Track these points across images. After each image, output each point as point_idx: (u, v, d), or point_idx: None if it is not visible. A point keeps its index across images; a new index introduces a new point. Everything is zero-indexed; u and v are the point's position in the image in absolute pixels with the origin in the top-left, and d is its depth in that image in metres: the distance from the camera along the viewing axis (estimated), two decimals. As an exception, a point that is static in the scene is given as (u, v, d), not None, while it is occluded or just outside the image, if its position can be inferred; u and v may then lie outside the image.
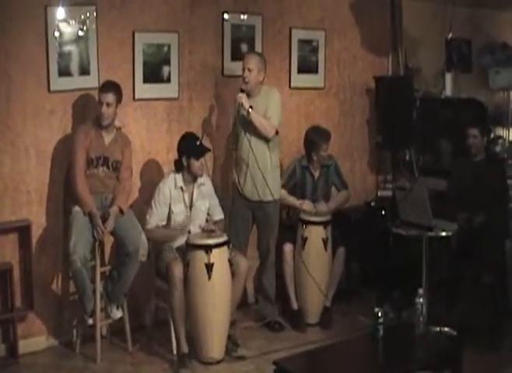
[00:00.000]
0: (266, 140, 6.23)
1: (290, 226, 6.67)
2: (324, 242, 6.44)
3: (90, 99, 6.00)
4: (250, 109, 6.07)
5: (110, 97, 5.69)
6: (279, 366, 4.65)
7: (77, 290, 5.71)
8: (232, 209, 6.42)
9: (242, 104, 6.08)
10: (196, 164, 5.86)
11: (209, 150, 6.15)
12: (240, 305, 6.26)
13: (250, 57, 6.22)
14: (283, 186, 6.64)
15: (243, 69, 6.15)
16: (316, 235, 6.45)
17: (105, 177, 5.81)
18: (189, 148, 5.87)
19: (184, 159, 5.85)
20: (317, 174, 6.75)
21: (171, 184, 5.89)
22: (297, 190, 6.72)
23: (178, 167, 5.92)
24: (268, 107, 6.20)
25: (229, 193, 6.51)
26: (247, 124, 6.18)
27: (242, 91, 6.13)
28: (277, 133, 6.27)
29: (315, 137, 6.65)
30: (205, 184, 6.04)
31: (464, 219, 6.03)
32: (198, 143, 5.92)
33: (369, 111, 7.86)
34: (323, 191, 6.78)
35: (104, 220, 5.67)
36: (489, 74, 8.96)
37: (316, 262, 6.43)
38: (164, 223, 5.92)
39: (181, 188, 5.90)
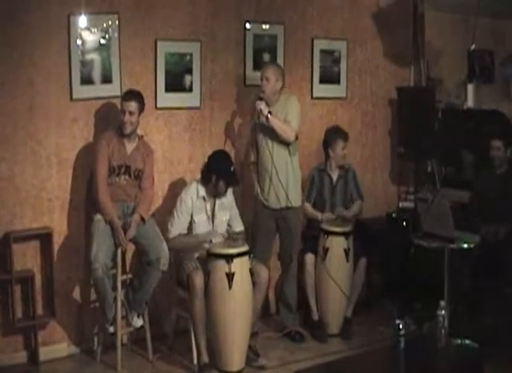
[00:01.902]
0: (286, 145, 6.25)
1: (312, 236, 6.65)
2: (346, 252, 6.42)
3: (112, 107, 6.02)
4: (269, 115, 6.11)
5: (132, 106, 5.70)
6: (300, 377, 4.65)
7: (98, 298, 5.72)
8: (255, 220, 6.46)
9: (261, 110, 6.12)
10: (223, 187, 5.88)
11: (239, 183, 6.16)
12: (262, 314, 6.25)
13: (267, 67, 6.30)
14: (307, 200, 6.68)
15: (261, 78, 6.20)
16: (337, 245, 6.43)
17: (127, 185, 5.81)
18: (222, 172, 5.85)
19: (213, 178, 5.84)
20: (335, 176, 6.74)
21: (193, 194, 5.90)
22: (316, 196, 6.74)
23: (205, 180, 5.90)
24: (288, 113, 6.24)
25: (249, 202, 6.53)
26: (267, 131, 6.22)
27: (260, 99, 6.17)
28: (296, 138, 6.30)
29: (332, 134, 6.71)
30: (227, 196, 6.03)
31: (489, 232, 5.99)
32: (232, 169, 5.91)
33: (391, 122, 7.82)
34: (341, 197, 6.76)
35: (125, 229, 5.68)
36: (512, 85, 8.92)
37: (337, 272, 6.40)
38: (185, 232, 5.91)
39: (203, 198, 5.90)
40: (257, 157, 6.43)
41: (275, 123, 6.14)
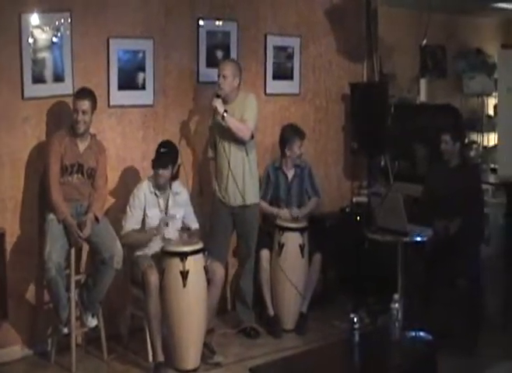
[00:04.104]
0: (242, 144, 6.25)
1: (267, 232, 6.67)
2: (301, 248, 6.46)
3: (64, 106, 5.96)
4: (224, 114, 6.07)
5: (85, 104, 5.64)
6: (255, 373, 4.66)
7: (52, 298, 5.67)
8: (212, 217, 6.45)
9: (216, 108, 6.09)
10: (157, 173, 5.85)
11: (172, 162, 5.95)
12: (218, 311, 6.25)
13: (225, 64, 6.26)
14: (262, 198, 6.67)
15: (219, 76, 6.17)
16: (293, 241, 6.47)
17: (80, 184, 5.76)
18: (155, 156, 5.87)
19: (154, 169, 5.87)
20: (290, 175, 6.76)
21: (146, 189, 5.89)
22: (272, 193, 6.75)
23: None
24: (245, 111, 6.22)
25: (207, 199, 6.54)
26: (223, 130, 6.19)
27: (218, 96, 6.14)
28: (252, 137, 6.29)
29: (290, 132, 6.72)
30: (181, 193, 6.04)
31: (442, 226, 6.05)
32: (162, 151, 5.88)
33: (344, 117, 7.86)
34: (297, 195, 6.79)
35: (79, 229, 5.64)
36: (464, 79, 9.03)
37: (293, 268, 6.43)
38: (139, 227, 5.89)
39: (155, 194, 5.90)
40: (215, 154, 6.42)
41: (231, 122, 6.11)
